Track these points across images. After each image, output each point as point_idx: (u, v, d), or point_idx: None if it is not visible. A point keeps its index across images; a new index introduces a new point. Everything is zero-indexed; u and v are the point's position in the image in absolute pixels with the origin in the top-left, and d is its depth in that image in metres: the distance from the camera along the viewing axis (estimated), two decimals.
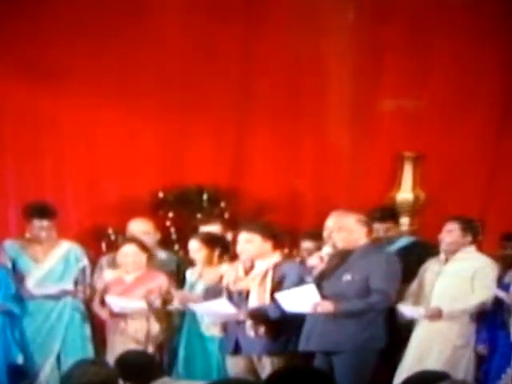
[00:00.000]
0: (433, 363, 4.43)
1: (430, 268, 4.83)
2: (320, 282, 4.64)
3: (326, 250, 4.75)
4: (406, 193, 6.42)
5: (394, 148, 6.42)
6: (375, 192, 6.38)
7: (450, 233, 4.73)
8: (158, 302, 5.13)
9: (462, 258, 4.77)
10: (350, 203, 6.05)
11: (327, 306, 4.56)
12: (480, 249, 4.96)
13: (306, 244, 5.18)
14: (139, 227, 5.51)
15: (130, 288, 5.22)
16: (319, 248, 4.96)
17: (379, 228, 5.07)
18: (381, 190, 6.40)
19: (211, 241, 5.15)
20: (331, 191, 6.51)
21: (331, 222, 4.89)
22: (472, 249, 4.80)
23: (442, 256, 4.84)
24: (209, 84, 6.46)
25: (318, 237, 5.08)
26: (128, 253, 5.22)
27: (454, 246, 4.75)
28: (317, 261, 4.69)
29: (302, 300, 4.56)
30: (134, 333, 5.11)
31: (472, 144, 6.45)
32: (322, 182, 6.61)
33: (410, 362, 4.60)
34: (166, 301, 5.12)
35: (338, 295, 4.60)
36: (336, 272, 4.67)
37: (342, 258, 4.69)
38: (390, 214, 5.26)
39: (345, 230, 4.67)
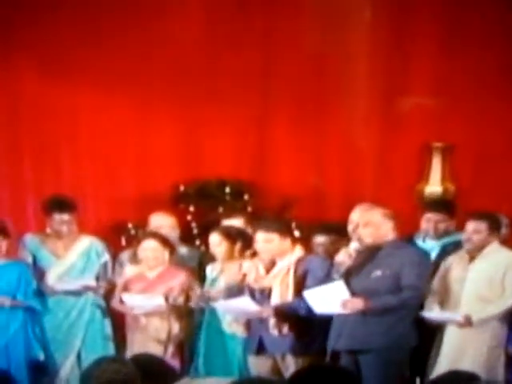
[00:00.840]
0: (469, 367, 4.34)
1: (454, 266, 4.73)
2: (347, 278, 4.60)
3: (354, 245, 4.69)
4: (434, 186, 6.32)
5: (422, 138, 6.32)
6: (402, 185, 6.32)
7: (478, 233, 4.64)
8: (180, 300, 5.11)
9: (489, 255, 4.68)
10: (375, 196, 6.00)
11: (357, 303, 4.51)
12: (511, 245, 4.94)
13: (319, 238, 5.07)
14: (162, 221, 5.49)
15: (153, 284, 5.20)
16: (333, 242, 4.92)
17: (430, 218, 4.98)
18: (408, 183, 6.31)
19: (232, 234, 5.11)
20: (357, 184, 6.45)
21: (356, 216, 4.84)
22: (497, 244, 4.71)
23: (464, 253, 4.74)
24: (230, 73, 6.39)
25: (331, 230, 5.03)
26: (148, 248, 5.19)
27: (481, 246, 4.66)
28: (345, 257, 4.64)
29: (330, 298, 4.52)
30: (154, 331, 5.09)
31: (507, 133, 6.29)
32: (348, 174, 6.54)
33: (444, 368, 4.45)
34: (189, 298, 5.10)
35: (368, 292, 4.54)
36: (364, 268, 4.61)
37: (369, 253, 4.63)
38: (445, 205, 5.13)
39: (371, 224, 4.62)
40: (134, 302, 5.16)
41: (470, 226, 4.67)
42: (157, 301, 5.11)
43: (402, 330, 4.56)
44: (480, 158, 6.39)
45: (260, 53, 6.47)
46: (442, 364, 4.62)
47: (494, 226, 4.68)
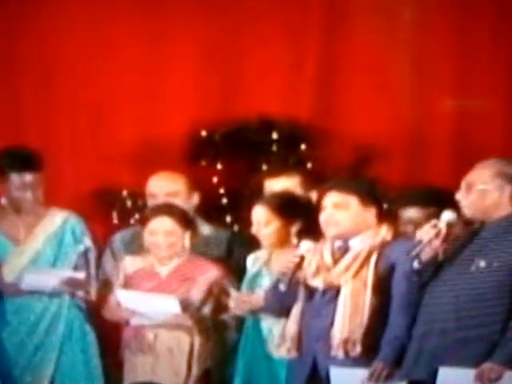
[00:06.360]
0: None
1: None
2: (437, 269, 4.43)
3: (447, 215, 4.41)
4: None
5: None
6: None
7: None
8: (207, 308, 5.09)
9: None
10: (505, 146, 6.09)
11: (492, 372, 4.25)
12: None
13: (409, 212, 4.90)
14: (161, 187, 5.40)
15: (167, 284, 5.12)
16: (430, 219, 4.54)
17: None
18: None
19: (287, 208, 4.97)
20: (476, 131, 6.42)
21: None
22: None
23: None
24: None
25: (429, 201, 4.88)
26: (161, 230, 5.09)
27: None
28: (431, 233, 4.38)
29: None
30: (167, 352, 5.05)
31: None
32: (462, 117, 6.48)
33: None
34: (221, 305, 5.05)
35: (467, 292, 4.38)
36: (461, 255, 4.45)
37: (471, 233, 4.46)
38: None
39: (475, 190, 4.43)
40: (133, 303, 5.04)
41: None
42: (169, 306, 5.00)
43: None
44: None
45: None
46: None
47: None
